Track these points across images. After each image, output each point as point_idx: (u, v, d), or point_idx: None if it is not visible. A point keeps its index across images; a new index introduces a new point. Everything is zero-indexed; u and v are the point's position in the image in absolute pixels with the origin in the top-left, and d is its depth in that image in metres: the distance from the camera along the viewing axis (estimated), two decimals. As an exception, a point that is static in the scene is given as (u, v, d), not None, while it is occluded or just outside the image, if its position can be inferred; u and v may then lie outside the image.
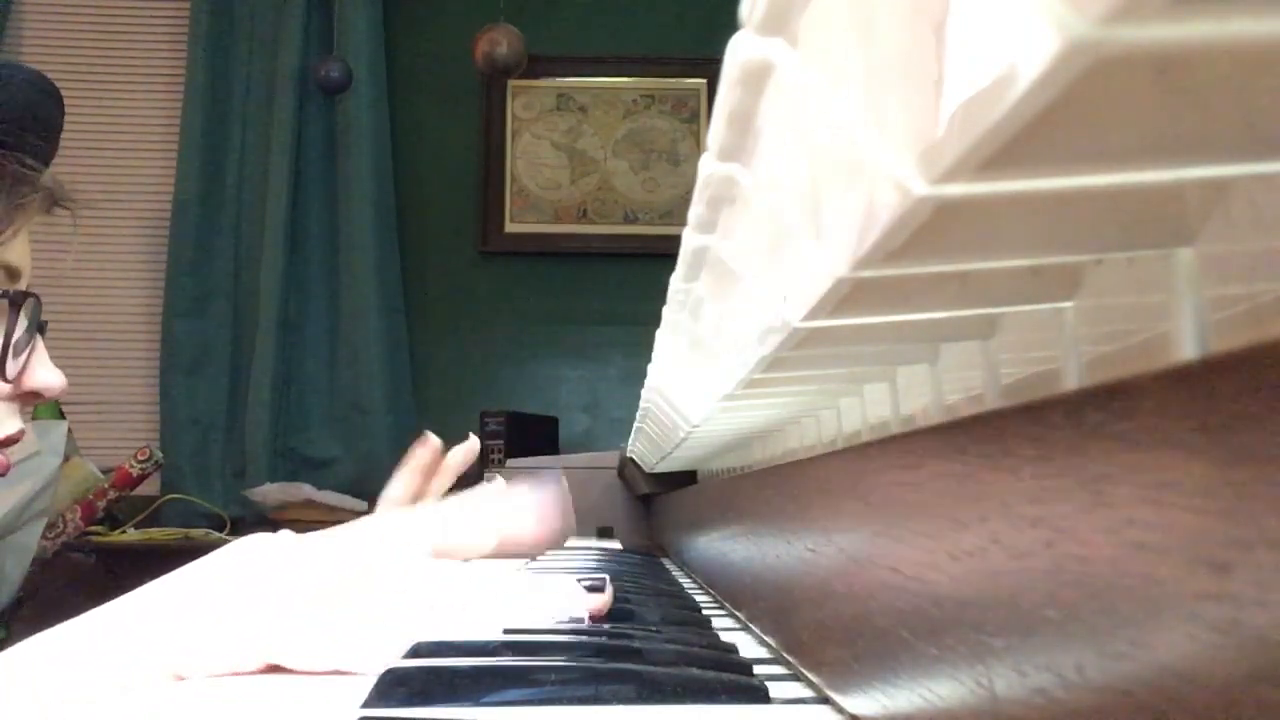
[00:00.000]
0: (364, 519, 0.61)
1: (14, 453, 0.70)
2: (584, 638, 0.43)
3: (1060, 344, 0.22)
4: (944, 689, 0.22)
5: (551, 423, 2.39)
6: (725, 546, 0.60)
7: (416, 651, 0.39)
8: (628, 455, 1.17)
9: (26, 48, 2.65)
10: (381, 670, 0.35)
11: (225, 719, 0.33)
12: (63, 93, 0.71)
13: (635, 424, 0.85)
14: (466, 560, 0.63)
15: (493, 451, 2.06)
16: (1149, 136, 0.13)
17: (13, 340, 0.65)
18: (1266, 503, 0.12)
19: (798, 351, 0.26)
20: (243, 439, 2.49)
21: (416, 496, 0.73)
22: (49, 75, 0.70)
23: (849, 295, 0.20)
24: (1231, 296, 0.16)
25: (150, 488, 2.17)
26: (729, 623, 0.55)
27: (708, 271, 0.28)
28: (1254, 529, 0.12)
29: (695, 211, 0.24)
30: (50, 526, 1.70)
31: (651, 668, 0.36)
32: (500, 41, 2.43)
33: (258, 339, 2.53)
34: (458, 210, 2.69)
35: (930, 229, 0.16)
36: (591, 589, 0.50)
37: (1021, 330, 0.24)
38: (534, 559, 0.74)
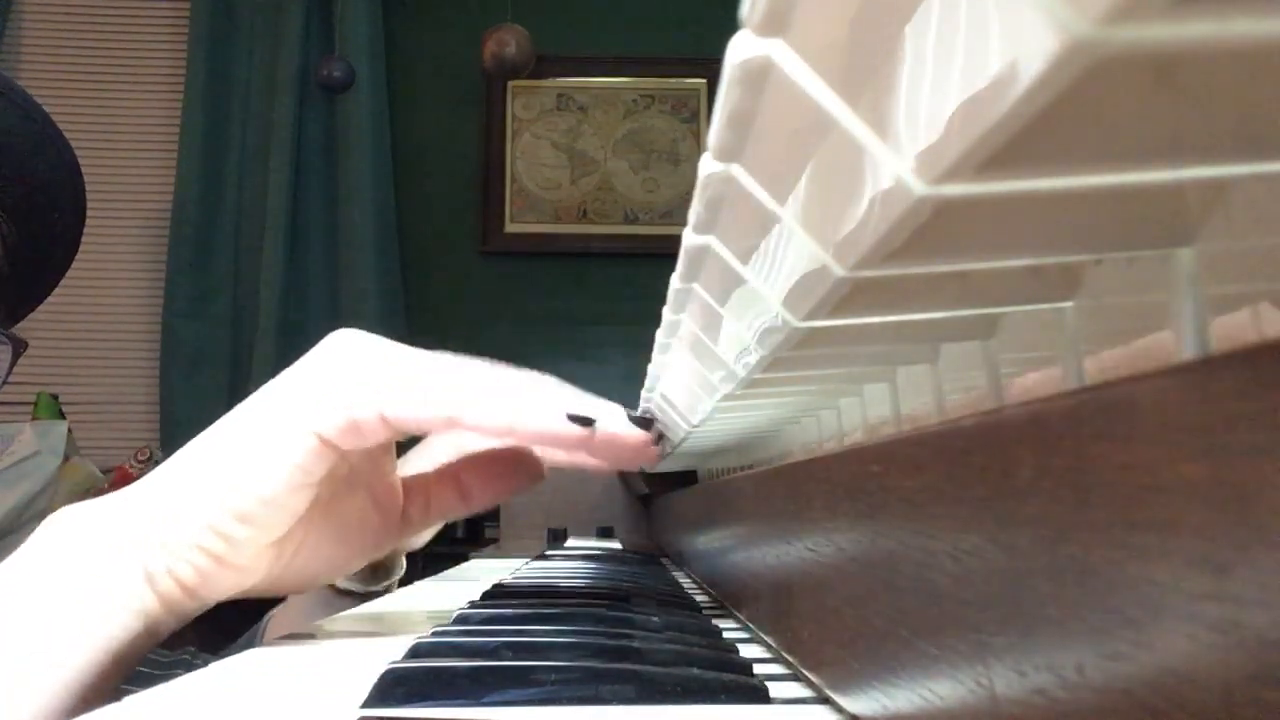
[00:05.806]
0: None
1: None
2: (584, 638, 0.43)
3: (1060, 344, 0.22)
4: (944, 689, 0.22)
5: (551, 423, 2.39)
6: (725, 546, 0.60)
7: (416, 651, 0.39)
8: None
9: (26, 48, 2.65)
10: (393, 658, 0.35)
11: (224, 718, 0.33)
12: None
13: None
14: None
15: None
16: (1149, 136, 0.13)
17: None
18: (1266, 503, 0.12)
19: (798, 351, 0.26)
20: (243, 439, 2.49)
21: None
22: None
23: (849, 295, 0.20)
24: (1231, 296, 0.16)
25: (150, 488, 2.17)
26: (729, 623, 0.55)
27: (707, 271, 0.28)
28: (1254, 529, 0.12)
29: (695, 211, 0.24)
30: (50, 526, 1.70)
31: (651, 668, 0.36)
32: (509, 41, 2.43)
33: (257, 339, 2.53)
34: (458, 210, 2.69)
35: (930, 229, 0.16)
36: (640, 420, 0.46)
37: (1021, 330, 0.24)
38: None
